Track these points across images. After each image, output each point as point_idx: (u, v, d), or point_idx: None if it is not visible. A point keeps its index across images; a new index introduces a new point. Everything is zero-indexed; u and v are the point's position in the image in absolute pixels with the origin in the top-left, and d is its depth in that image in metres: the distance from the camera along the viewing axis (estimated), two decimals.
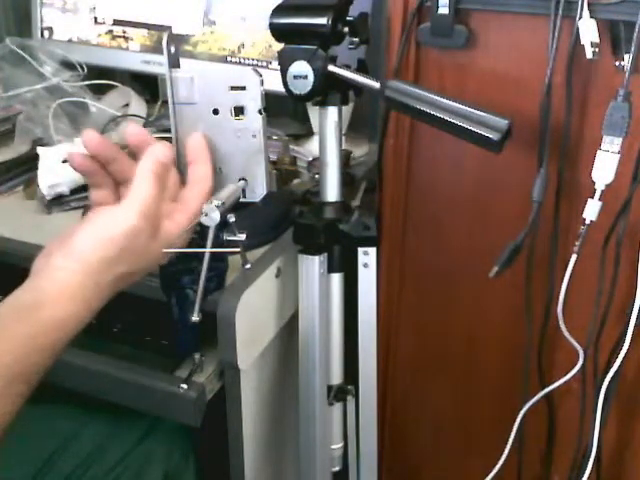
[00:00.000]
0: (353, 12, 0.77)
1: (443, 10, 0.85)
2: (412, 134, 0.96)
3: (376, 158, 1.00)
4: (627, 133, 0.75)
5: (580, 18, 0.76)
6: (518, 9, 0.83)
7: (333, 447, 0.98)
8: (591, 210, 0.79)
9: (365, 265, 0.88)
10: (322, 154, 0.83)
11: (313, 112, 1.13)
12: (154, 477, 0.89)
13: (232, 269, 0.81)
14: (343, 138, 0.85)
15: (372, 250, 0.87)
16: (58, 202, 1.00)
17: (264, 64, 1.05)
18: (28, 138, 1.12)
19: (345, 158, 1.05)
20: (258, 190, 0.83)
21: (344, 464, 1.01)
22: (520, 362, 0.99)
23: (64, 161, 1.02)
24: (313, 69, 0.75)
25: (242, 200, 0.82)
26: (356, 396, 0.96)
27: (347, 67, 0.77)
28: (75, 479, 0.84)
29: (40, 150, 1.01)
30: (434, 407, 1.15)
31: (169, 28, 1.11)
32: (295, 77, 0.76)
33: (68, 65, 1.15)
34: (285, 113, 1.24)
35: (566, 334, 0.89)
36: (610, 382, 0.88)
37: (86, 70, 1.16)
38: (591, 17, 0.76)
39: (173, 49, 0.74)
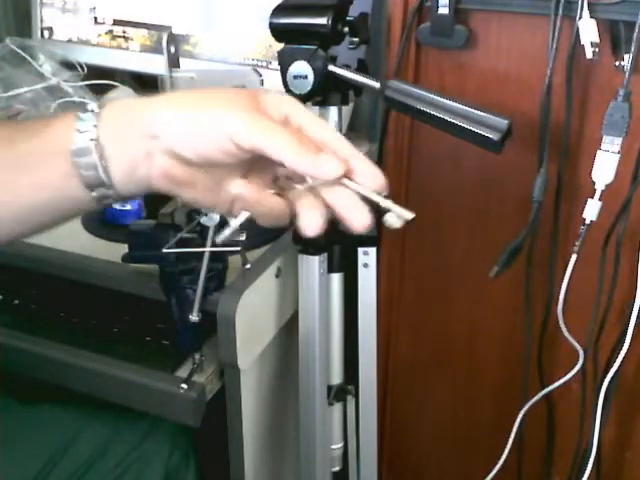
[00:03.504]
0: (353, 12, 0.77)
1: (443, 10, 0.85)
2: (412, 134, 0.96)
3: (376, 158, 1.00)
4: (627, 133, 0.75)
5: (580, 18, 0.76)
6: (518, 9, 0.83)
7: (333, 447, 0.98)
8: (591, 210, 0.79)
9: (365, 265, 0.88)
10: None
11: (313, 112, 1.13)
12: (154, 477, 0.88)
13: (232, 269, 0.81)
14: None
15: (372, 250, 0.87)
16: None
17: (264, 64, 1.05)
18: None
19: None
20: None
21: (344, 464, 1.01)
22: (520, 362, 0.99)
23: None
24: (313, 69, 0.75)
25: None
26: (356, 396, 0.96)
27: (347, 67, 0.77)
28: None
29: None
30: (434, 407, 1.15)
31: (169, 28, 1.11)
32: (295, 77, 0.76)
33: (68, 65, 1.15)
34: None
35: (566, 334, 0.89)
36: (610, 382, 0.88)
37: (86, 70, 1.16)
38: (591, 17, 0.76)
39: (173, 49, 0.74)
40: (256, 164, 0.48)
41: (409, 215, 0.45)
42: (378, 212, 0.47)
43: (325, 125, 0.49)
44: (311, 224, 0.45)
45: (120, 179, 0.47)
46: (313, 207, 0.45)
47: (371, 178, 0.45)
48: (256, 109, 0.45)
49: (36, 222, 0.50)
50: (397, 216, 0.45)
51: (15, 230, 0.50)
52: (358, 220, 0.45)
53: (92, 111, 0.47)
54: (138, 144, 0.46)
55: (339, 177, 0.44)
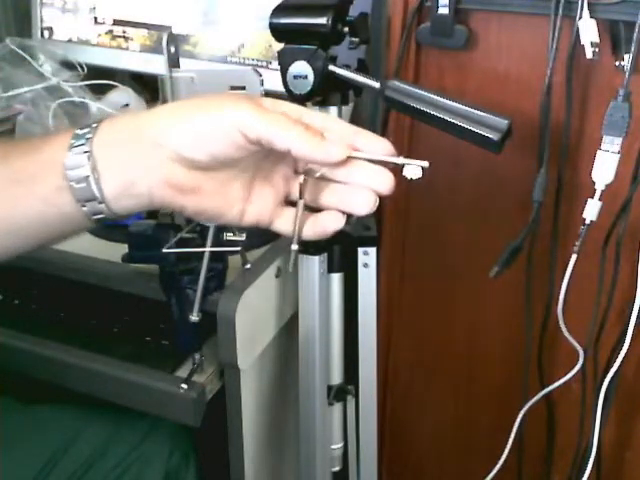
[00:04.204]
0: (353, 12, 0.77)
1: (443, 10, 0.85)
2: (412, 134, 0.96)
3: None
4: (627, 133, 0.75)
5: (580, 18, 0.76)
6: (518, 9, 0.83)
7: (333, 447, 0.98)
8: (591, 210, 0.79)
9: (365, 265, 0.88)
10: None
11: None
12: (154, 477, 0.88)
13: (232, 269, 0.81)
14: None
15: (372, 250, 0.87)
16: None
17: (264, 64, 1.05)
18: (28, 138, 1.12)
19: None
20: None
21: (344, 464, 1.01)
22: (520, 362, 0.99)
23: None
24: (313, 69, 0.75)
25: None
26: (356, 396, 0.96)
27: (347, 67, 0.77)
28: None
29: None
30: (434, 407, 1.15)
31: (169, 28, 1.11)
32: (295, 77, 0.76)
33: (68, 65, 1.14)
34: None
35: (566, 334, 0.89)
36: (610, 382, 0.88)
37: (86, 70, 1.16)
38: (591, 17, 0.76)
39: (173, 49, 0.74)
40: (261, 170, 0.49)
41: (424, 163, 0.48)
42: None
43: (320, 114, 0.50)
44: (364, 201, 0.47)
45: (114, 194, 0.46)
46: (356, 188, 0.47)
47: (378, 146, 0.47)
48: (259, 104, 0.46)
49: (29, 238, 0.49)
50: (414, 168, 0.48)
51: (8, 246, 0.49)
52: (383, 182, 0.47)
53: (90, 126, 0.46)
54: (138, 156, 0.45)
55: (344, 159, 0.45)
